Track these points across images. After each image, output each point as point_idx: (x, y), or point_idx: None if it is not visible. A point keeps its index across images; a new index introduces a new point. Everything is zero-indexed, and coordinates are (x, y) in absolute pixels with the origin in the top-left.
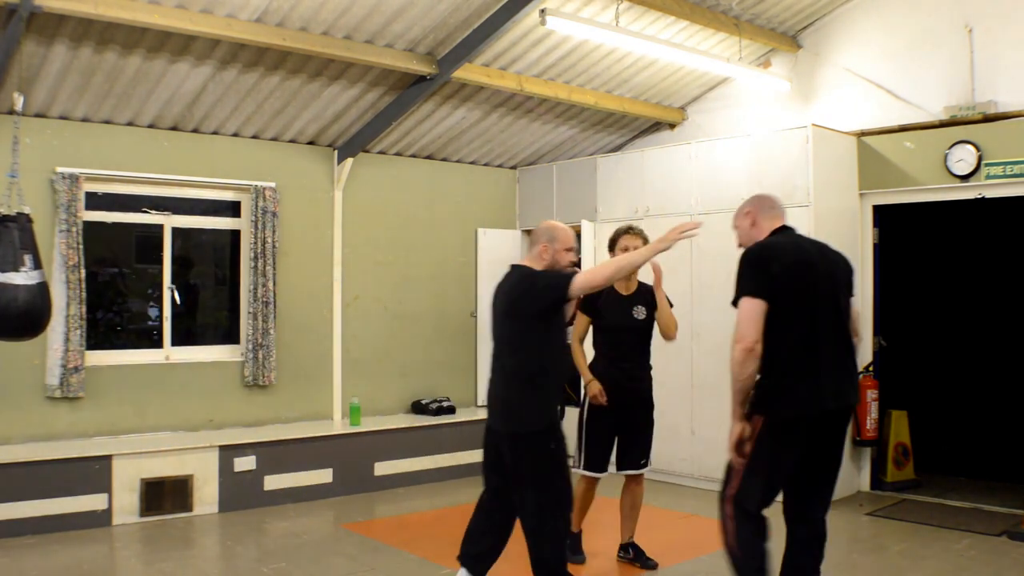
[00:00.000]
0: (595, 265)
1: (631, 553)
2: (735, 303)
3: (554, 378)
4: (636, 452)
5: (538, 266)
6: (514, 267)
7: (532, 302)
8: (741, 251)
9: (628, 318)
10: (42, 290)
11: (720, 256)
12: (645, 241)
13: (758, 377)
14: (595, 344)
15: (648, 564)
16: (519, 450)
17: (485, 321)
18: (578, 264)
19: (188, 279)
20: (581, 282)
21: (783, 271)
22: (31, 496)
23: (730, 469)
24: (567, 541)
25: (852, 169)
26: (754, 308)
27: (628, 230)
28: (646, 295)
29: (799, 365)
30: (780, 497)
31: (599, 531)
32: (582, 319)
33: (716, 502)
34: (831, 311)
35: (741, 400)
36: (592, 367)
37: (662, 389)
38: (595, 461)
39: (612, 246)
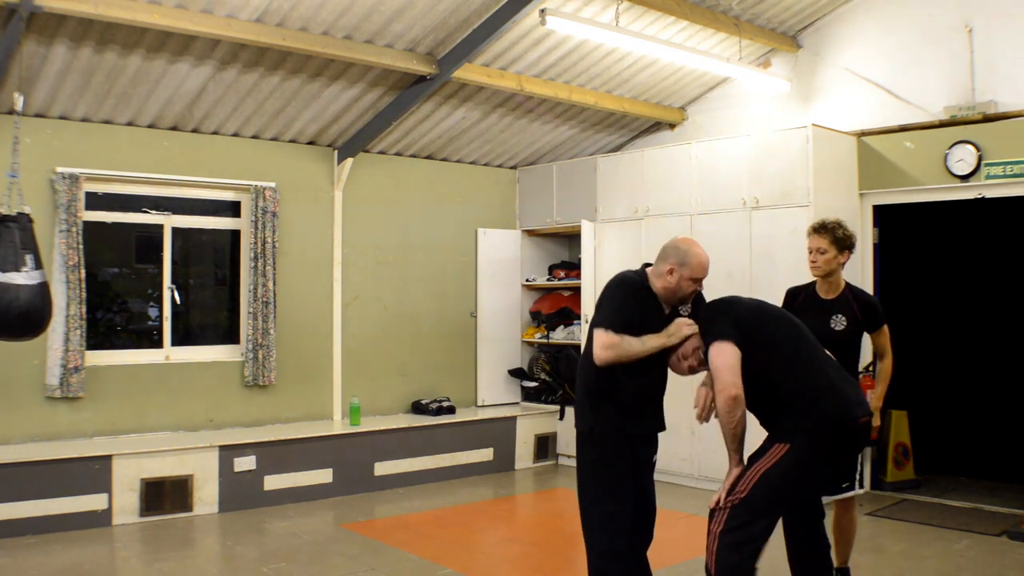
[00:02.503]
0: (615, 337)
1: None
2: (704, 354)
3: (615, 382)
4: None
5: (659, 282)
6: (628, 271)
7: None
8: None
9: (824, 328)
10: (43, 290)
11: (716, 258)
12: (834, 242)
13: (782, 414)
14: None
15: None
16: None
17: (485, 321)
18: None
19: (188, 279)
20: (598, 345)
21: (745, 309)
22: (31, 496)
23: (719, 510)
24: (601, 559)
25: (852, 169)
26: (727, 352)
27: (818, 228)
28: (850, 304)
29: (813, 384)
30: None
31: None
32: None
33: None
34: (808, 334)
35: (736, 447)
36: None
37: None
38: None
39: None
